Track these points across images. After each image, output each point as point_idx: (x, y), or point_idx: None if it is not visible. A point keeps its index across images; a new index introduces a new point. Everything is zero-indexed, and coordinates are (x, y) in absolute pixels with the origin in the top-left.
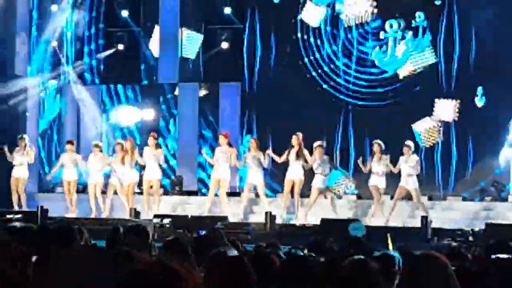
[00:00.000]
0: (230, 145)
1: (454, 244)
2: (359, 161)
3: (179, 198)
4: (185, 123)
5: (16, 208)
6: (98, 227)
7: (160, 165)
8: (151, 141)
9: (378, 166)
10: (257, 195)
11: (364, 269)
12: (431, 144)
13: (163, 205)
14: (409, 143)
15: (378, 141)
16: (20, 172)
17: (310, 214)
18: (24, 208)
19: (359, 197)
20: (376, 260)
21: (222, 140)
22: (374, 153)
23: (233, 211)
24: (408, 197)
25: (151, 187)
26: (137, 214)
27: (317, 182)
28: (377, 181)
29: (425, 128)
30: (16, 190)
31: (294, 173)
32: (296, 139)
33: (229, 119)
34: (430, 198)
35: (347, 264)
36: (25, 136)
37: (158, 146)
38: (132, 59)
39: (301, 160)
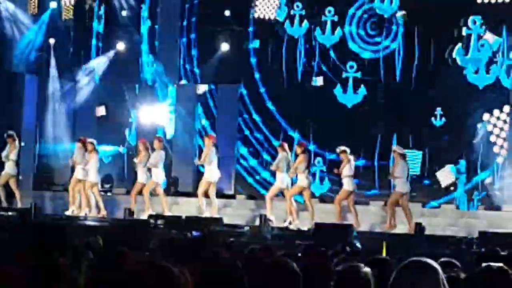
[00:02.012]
0: (216, 146)
1: (447, 251)
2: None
3: (171, 199)
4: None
5: (4, 204)
6: (95, 225)
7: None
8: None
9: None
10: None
11: (358, 275)
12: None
13: (156, 206)
14: (396, 148)
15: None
16: (8, 169)
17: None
18: (20, 206)
19: None
20: (370, 265)
21: (207, 141)
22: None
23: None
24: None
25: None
26: (131, 214)
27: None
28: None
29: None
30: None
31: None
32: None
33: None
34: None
35: (341, 269)
36: (11, 132)
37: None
38: None
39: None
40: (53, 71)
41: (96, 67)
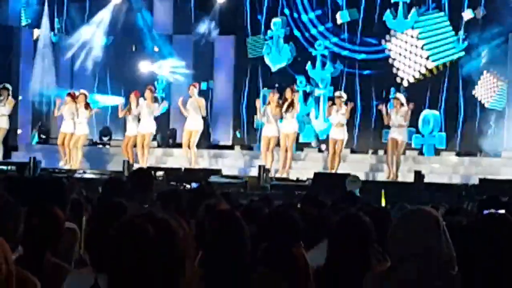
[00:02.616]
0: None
1: (448, 199)
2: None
3: (162, 151)
4: None
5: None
6: (93, 178)
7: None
8: (148, 94)
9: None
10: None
11: (357, 224)
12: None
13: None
14: (399, 95)
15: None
16: (2, 123)
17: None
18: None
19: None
20: (369, 214)
21: (192, 90)
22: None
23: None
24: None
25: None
26: (130, 166)
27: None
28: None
29: None
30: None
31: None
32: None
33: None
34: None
35: (341, 219)
36: (7, 85)
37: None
38: None
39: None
40: (46, 23)
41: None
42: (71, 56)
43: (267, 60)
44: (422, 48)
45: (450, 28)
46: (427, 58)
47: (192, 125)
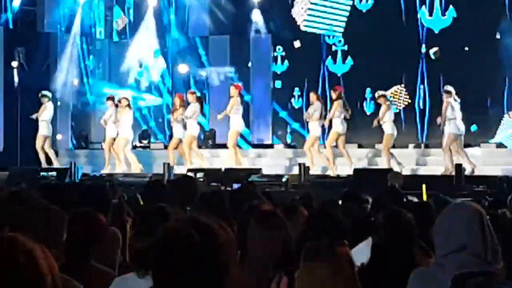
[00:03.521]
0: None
1: (490, 192)
2: None
3: (209, 151)
4: None
5: (44, 165)
6: (133, 182)
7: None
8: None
9: None
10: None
11: (400, 221)
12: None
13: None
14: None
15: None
16: (42, 130)
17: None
18: (56, 165)
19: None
20: (411, 209)
21: (233, 91)
22: None
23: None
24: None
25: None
26: (170, 168)
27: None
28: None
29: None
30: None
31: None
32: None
33: None
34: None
35: (383, 216)
36: (46, 93)
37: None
38: None
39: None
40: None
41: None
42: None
43: None
44: None
45: None
46: None
47: (237, 126)
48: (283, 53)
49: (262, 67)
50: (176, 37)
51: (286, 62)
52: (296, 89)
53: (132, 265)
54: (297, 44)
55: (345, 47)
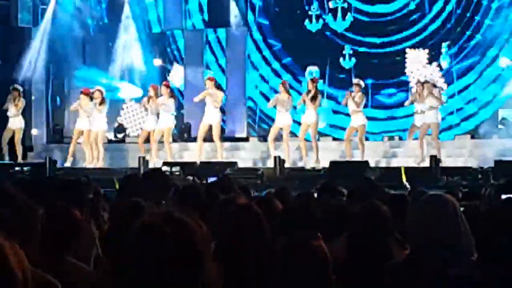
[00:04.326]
0: (218, 88)
1: (464, 183)
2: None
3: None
4: None
5: (20, 160)
6: (106, 177)
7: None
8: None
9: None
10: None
11: (376, 213)
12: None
13: (161, 153)
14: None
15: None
16: (16, 123)
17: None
18: (20, 160)
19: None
20: (387, 202)
21: (208, 83)
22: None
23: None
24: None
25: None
26: (145, 162)
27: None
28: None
29: None
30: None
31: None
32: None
33: None
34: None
35: (359, 209)
36: (17, 86)
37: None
38: None
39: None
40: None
41: None
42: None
43: None
44: None
45: None
46: None
47: (212, 119)
48: None
49: (237, 59)
50: (153, 30)
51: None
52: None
53: (106, 260)
54: None
55: None
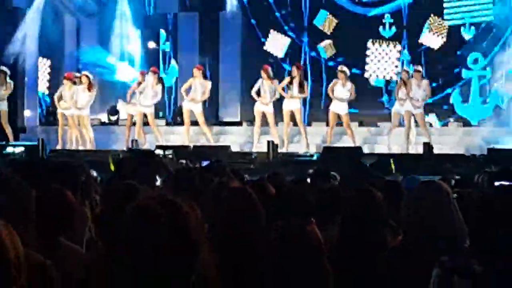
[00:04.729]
0: (205, 77)
1: (457, 170)
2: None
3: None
4: None
5: (12, 141)
6: (98, 159)
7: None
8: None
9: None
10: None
11: (369, 199)
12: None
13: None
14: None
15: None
16: (2, 106)
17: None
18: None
19: None
20: (381, 188)
21: (196, 72)
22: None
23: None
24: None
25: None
26: (138, 145)
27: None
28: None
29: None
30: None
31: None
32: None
33: None
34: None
35: (352, 195)
36: (4, 68)
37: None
38: None
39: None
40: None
41: None
42: None
43: None
44: None
45: None
46: None
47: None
48: None
49: (230, 43)
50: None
51: None
52: None
53: (99, 242)
54: None
55: None
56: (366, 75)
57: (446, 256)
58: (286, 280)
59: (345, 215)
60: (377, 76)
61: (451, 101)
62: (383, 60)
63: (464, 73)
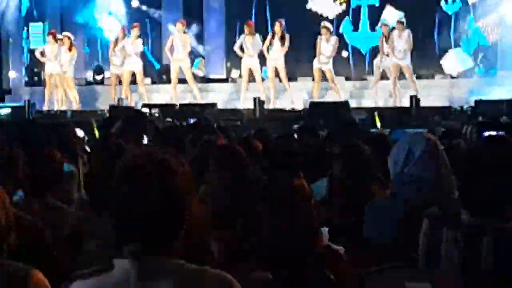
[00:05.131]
0: (185, 32)
1: (444, 122)
2: None
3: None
4: None
5: None
6: (84, 119)
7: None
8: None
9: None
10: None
11: (356, 153)
12: None
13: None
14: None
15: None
16: None
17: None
18: None
19: None
20: (368, 141)
21: (179, 27)
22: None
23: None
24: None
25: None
26: (124, 104)
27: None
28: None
29: None
30: None
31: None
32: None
33: None
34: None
35: (339, 149)
36: None
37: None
38: None
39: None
40: None
41: None
42: None
43: None
44: None
45: None
46: None
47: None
48: None
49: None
50: None
51: None
52: None
53: (88, 201)
54: None
55: None
56: None
57: (435, 207)
58: (276, 235)
59: (333, 169)
60: None
61: (340, 31)
62: None
63: None
